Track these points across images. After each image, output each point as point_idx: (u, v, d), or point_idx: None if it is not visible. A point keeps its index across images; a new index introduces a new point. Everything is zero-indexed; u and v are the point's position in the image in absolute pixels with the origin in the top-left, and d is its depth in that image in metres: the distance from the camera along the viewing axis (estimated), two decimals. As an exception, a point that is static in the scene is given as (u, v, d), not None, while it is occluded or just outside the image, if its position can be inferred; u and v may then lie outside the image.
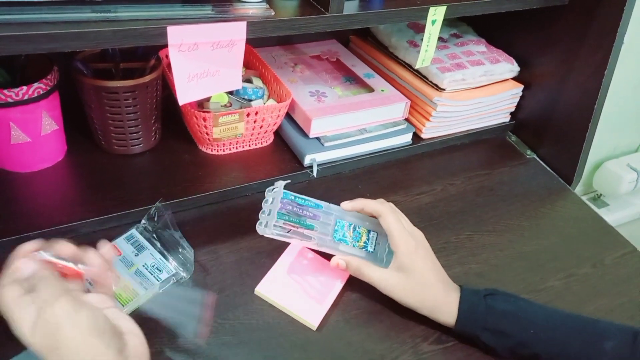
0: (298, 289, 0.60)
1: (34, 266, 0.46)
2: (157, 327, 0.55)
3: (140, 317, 0.55)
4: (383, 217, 0.59)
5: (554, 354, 0.53)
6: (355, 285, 0.62)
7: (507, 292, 0.57)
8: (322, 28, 0.58)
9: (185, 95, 0.57)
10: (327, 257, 0.64)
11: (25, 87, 0.61)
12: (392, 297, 0.57)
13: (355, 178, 0.79)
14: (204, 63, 0.55)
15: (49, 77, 0.64)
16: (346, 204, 0.62)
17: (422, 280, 0.56)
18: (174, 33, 0.50)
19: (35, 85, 0.62)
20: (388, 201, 0.60)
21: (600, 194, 1.44)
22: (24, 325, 0.42)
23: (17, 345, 0.41)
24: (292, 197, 0.63)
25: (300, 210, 0.62)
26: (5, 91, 0.60)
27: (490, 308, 0.55)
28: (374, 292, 0.61)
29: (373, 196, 0.74)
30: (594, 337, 0.53)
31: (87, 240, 0.62)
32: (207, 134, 0.71)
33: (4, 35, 0.43)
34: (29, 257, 0.46)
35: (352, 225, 0.63)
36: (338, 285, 0.61)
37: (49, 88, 0.64)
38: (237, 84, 0.60)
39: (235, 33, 0.54)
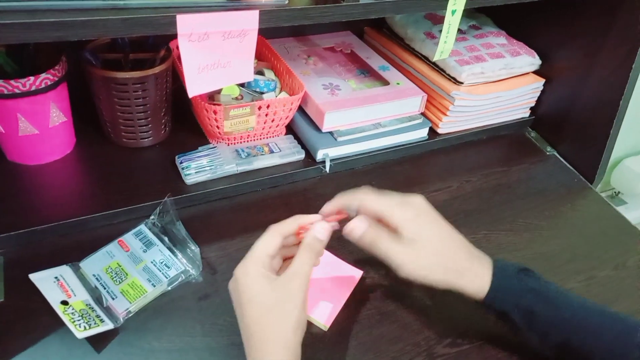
0: (309, 289, 0.58)
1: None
2: (166, 325, 0.54)
3: (148, 315, 0.54)
4: (364, 202, 0.52)
5: (586, 342, 0.49)
6: (367, 285, 0.60)
7: (539, 273, 0.53)
8: (338, 18, 0.56)
9: (195, 86, 0.56)
10: (339, 256, 0.62)
11: (32, 78, 0.60)
12: (410, 276, 0.50)
13: (369, 174, 0.77)
14: (214, 54, 0.54)
15: (57, 67, 0.62)
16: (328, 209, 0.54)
17: (435, 247, 0.50)
18: (183, 22, 0.48)
19: (43, 75, 0.61)
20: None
21: (618, 192, 1.42)
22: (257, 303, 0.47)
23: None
24: None
25: None
26: (12, 82, 0.59)
27: (525, 285, 0.51)
28: (386, 292, 0.59)
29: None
30: (627, 329, 0.50)
31: (96, 235, 0.62)
32: (217, 127, 0.70)
33: (11, 22, 0.42)
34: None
35: None
36: (350, 285, 0.59)
37: (57, 79, 0.63)
38: (249, 75, 0.58)
39: (247, 22, 0.52)
